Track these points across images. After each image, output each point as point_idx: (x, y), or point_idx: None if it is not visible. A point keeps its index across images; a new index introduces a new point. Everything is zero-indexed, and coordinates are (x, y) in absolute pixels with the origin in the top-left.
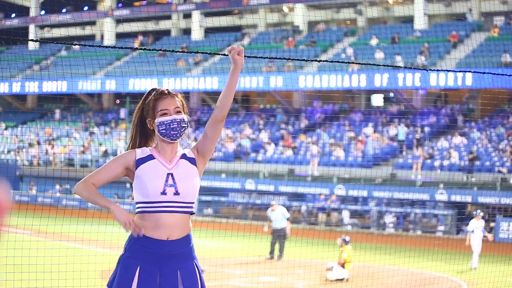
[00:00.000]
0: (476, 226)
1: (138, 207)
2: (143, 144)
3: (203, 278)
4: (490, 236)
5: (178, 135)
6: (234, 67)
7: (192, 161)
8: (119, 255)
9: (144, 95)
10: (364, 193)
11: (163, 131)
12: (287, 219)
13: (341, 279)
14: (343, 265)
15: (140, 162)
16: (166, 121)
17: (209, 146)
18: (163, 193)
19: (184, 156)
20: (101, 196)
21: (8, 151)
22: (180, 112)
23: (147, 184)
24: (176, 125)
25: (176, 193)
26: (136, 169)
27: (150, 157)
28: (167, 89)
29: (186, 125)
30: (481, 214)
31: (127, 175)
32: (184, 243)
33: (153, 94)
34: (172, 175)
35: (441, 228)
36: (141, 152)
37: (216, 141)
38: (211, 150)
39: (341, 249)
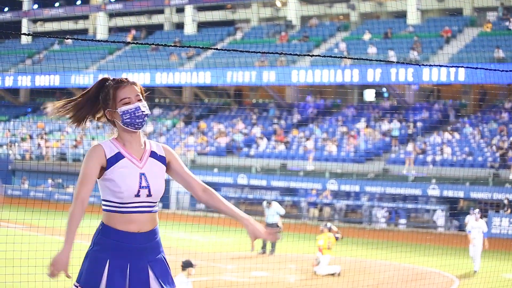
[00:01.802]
0: (473, 226)
1: (107, 205)
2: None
3: (171, 272)
4: (486, 245)
5: (143, 122)
6: (243, 224)
7: (162, 159)
8: (86, 250)
9: (97, 83)
10: (357, 188)
11: (128, 120)
12: (280, 215)
13: (333, 274)
14: (321, 252)
15: (111, 162)
16: (130, 109)
17: (174, 178)
18: (137, 195)
19: (153, 154)
20: (72, 232)
21: (0, 145)
22: (141, 99)
23: (121, 186)
24: (140, 113)
25: (149, 195)
26: (106, 169)
27: (119, 156)
28: (125, 78)
29: (148, 113)
30: (476, 212)
31: None
32: (153, 236)
33: (110, 83)
34: (144, 175)
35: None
36: (108, 150)
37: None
38: (173, 178)
39: (322, 237)
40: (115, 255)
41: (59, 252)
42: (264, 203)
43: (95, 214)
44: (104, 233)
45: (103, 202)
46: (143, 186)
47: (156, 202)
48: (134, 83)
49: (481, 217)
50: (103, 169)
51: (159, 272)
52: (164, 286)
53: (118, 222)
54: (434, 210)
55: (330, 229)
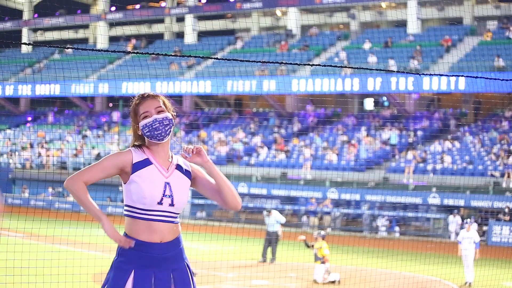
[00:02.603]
0: (464, 236)
1: (130, 211)
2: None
3: (194, 279)
4: (477, 255)
5: (162, 134)
6: (205, 169)
7: (187, 174)
8: (112, 260)
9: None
10: (357, 197)
11: (148, 133)
12: (281, 223)
13: (333, 281)
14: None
15: (137, 166)
16: (148, 123)
17: (200, 191)
18: (160, 203)
19: (179, 167)
20: (93, 205)
21: (1, 154)
22: (161, 111)
23: (144, 191)
24: (158, 125)
25: (172, 204)
26: (132, 173)
27: (147, 162)
28: (148, 92)
29: (169, 123)
30: (470, 222)
31: (119, 175)
32: (176, 245)
33: (134, 99)
34: (169, 184)
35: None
36: (137, 155)
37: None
38: (200, 192)
39: (318, 246)
40: (140, 265)
41: (104, 228)
42: (265, 212)
43: (95, 223)
44: None
45: (126, 208)
46: (166, 195)
47: (178, 214)
48: (155, 97)
49: (481, 225)
50: (127, 174)
51: (181, 282)
52: None
53: (141, 231)
54: (444, 219)
55: (323, 237)
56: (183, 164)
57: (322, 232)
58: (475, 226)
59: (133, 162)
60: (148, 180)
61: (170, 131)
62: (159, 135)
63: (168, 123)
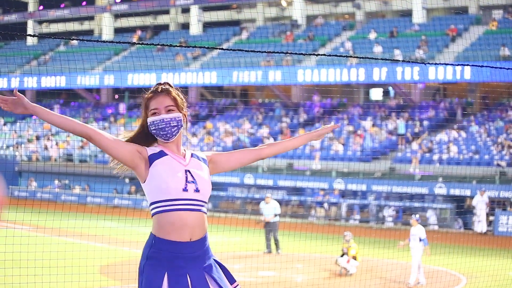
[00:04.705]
0: (411, 233)
1: (156, 207)
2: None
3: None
4: (428, 252)
5: (168, 135)
6: (314, 136)
7: (204, 161)
8: (139, 264)
9: None
10: (363, 187)
11: (154, 131)
12: (277, 215)
13: (346, 271)
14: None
15: (153, 157)
16: (155, 120)
17: (227, 166)
18: (185, 189)
19: (194, 155)
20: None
21: (7, 147)
22: (171, 110)
23: (167, 180)
24: (164, 125)
25: (197, 190)
26: (150, 165)
27: (163, 153)
28: (161, 86)
29: (177, 124)
30: (416, 217)
31: (132, 168)
32: (204, 243)
33: (146, 93)
34: (189, 171)
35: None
36: (150, 149)
37: (236, 168)
38: (225, 170)
39: (348, 246)
40: (172, 266)
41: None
42: (262, 202)
43: (101, 214)
44: (157, 246)
45: (152, 207)
46: (189, 181)
47: (205, 202)
48: (168, 93)
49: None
50: (146, 166)
51: (216, 277)
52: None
53: (170, 229)
54: (441, 209)
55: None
56: (197, 153)
57: (349, 234)
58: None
59: (149, 154)
60: (168, 168)
61: (178, 132)
62: (164, 135)
63: (176, 124)
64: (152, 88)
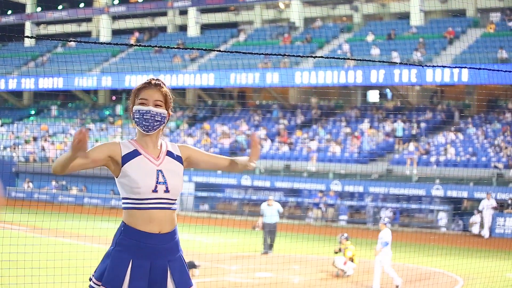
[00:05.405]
0: (379, 236)
1: (127, 203)
2: None
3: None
4: (378, 251)
5: (149, 127)
6: (249, 160)
7: (178, 159)
8: (107, 249)
9: None
10: (360, 189)
11: (137, 119)
12: (279, 212)
13: (343, 273)
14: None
15: (126, 158)
16: (142, 110)
17: (202, 167)
18: (155, 190)
19: (169, 153)
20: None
21: (4, 148)
22: (159, 106)
23: (138, 181)
24: (149, 117)
25: (167, 191)
26: (122, 165)
27: (136, 153)
28: (154, 80)
29: (160, 120)
30: (385, 221)
31: (107, 165)
32: (173, 236)
33: (141, 83)
34: (161, 171)
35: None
36: (125, 147)
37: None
38: (199, 168)
39: (343, 248)
40: (138, 255)
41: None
42: (263, 204)
43: (98, 215)
44: (126, 233)
45: (123, 201)
46: (160, 182)
47: (174, 200)
48: (159, 88)
49: (387, 226)
50: (118, 166)
51: (177, 272)
52: (178, 286)
53: (139, 221)
54: (438, 211)
55: (347, 239)
56: (172, 149)
57: (345, 234)
58: (388, 226)
59: (122, 154)
60: (139, 171)
61: (159, 127)
62: (145, 127)
63: (160, 119)
64: (145, 80)
